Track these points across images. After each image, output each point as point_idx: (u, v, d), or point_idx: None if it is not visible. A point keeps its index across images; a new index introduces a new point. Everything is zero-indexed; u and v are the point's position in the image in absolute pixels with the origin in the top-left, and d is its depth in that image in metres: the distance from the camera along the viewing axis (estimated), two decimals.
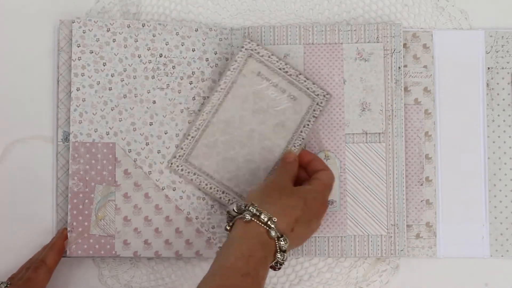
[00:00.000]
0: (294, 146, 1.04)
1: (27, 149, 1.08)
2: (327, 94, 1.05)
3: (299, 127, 1.06)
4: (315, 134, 1.07)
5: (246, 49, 1.05)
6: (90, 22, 1.06)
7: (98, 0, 1.09)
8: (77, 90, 1.05)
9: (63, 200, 1.06)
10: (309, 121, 1.05)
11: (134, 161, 1.05)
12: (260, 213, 0.92)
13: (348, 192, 1.07)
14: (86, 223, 1.04)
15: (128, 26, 1.07)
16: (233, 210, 0.94)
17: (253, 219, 0.92)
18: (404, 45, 1.08)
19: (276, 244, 0.92)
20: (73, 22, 1.06)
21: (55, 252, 1.03)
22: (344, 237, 1.06)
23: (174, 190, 1.06)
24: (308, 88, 1.05)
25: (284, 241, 0.92)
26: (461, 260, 1.08)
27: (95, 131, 1.05)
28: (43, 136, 1.08)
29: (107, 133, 1.05)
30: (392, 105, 1.07)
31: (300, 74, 1.05)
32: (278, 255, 0.92)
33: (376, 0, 1.10)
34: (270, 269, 0.94)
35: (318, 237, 1.06)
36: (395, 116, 1.07)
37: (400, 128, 1.07)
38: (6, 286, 0.99)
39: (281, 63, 1.05)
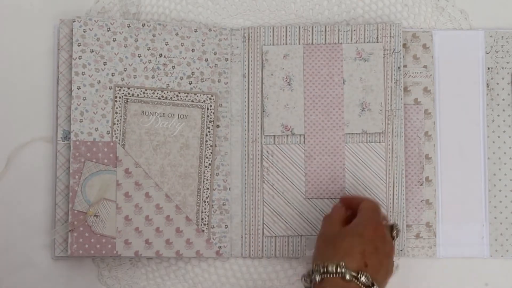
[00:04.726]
0: (207, 158, 1.05)
1: (26, 147, 1.08)
2: (212, 96, 1.05)
3: (202, 139, 1.06)
4: (315, 134, 1.07)
5: (119, 97, 1.05)
6: (91, 22, 1.06)
7: (98, 0, 1.09)
8: (78, 89, 1.05)
9: (62, 199, 1.06)
10: (208, 128, 1.06)
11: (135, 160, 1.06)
12: (326, 267, 0.90)
13: (348, 192, 1.07)
14: (87, 222, 1.04)
15: (128, 26, 1.07)
16: (305, 280, 0.93)
17: (323, 276, 0.91)
18: (404, 45, 1.08)
19: (358, 284, 0.90)
20: (73, 21, 1.06)
21: None
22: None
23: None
24: (193, 101, 1.06)
25: (364, 276, 0.90)
26: (461, 260, 1.08)
27: (96, 130, 1.05)
28: (42, 134, 1.08)
29: (108, 132, 1.05)
30: (392, 105, 1.07)
31: (179, 92, 1.05)
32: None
33: (376, 0, 1.10)
34: None
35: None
36: (395, 116, 1.07)
37: (400, 128, 1.07)
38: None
39: (157, 93, 1.05)
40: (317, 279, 0.91)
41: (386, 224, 0.98)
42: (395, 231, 0.98)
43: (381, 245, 0.94)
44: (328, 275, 0.90)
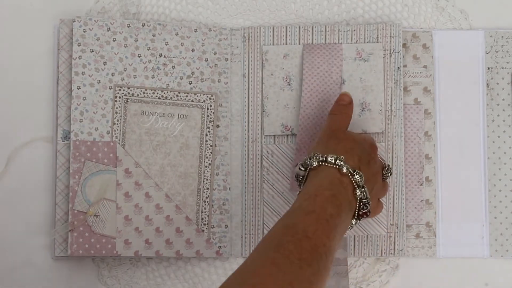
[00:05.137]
0: (207, 158, 1.05)
1: (26, 147, 1.08)
2: (212, 96, 1.05)
3: (202, 139, 1.06)
4: (315, 134, 1.07)
5: (119, 97, 1.05)
6: (91, 21, 1.06)
7: (98, 0, 1.09)
8: (78, 89, 1.06)
9: (62, 199, 1.06)
10: (208, 128, 1.06)
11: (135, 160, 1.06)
12: (326, 157, 0.92)
13: None
14: (87, 222, 1.04)
15: (128, 26, 1.07)
16: (300, 168, 0.94)
17: (320, 164, 0.92)
18: (404, 45, 1.08)
19: (352, 181, 0.92)
20: (73, 21, 1.06)
21: None
22: (344, 237, 1.06)
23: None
24: (193, 101, 1.06)
25: (358, 175, 0.92)
26: (461, 260, 1.08)
27: (96, 130, 1.05)
28: (42, 134, 1.08)
29: (108, 132, 1.05)
30: (392, 105, 1.07)
31: (179, 92, 1.05)
32: (358, 191, 0.92)
33: (376, 0, 1.10)
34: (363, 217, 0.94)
35: None
36: (395, 116, 1.07)
37: (400, 128, 1.07)
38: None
39: (157, 93, 1.05)
40: (313, 164, 0.92)
41: (382, 160, 1.02)
42: (386, 169, 1.00)
43: (372, 163, 0.97)
44: (326, 164, 0.92)
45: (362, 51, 1.08)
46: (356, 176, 0.91)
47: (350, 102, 1.03)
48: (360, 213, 0.93)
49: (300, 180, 0.95)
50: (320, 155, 0.93)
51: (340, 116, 1.01)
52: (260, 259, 0.83)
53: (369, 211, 0.93)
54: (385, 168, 1.00)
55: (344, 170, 0.91)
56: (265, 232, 1.07)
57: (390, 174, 1.01)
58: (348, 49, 1.08)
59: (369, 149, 0.97)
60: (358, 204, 0.93)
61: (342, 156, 0.92)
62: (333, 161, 0.92)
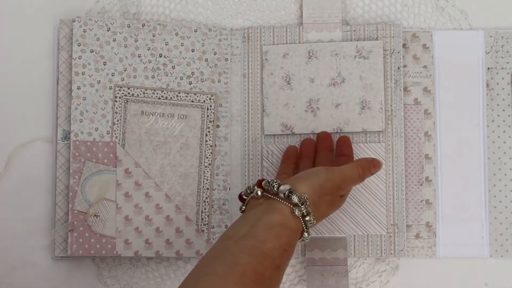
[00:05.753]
0: (207, 158, 1.05)
1: (26, 147, 1.08)
2: (212, 96, 1.06)
3: (202, 139, 1.06)
4: (315, 133, 1.07)
5: (119, 97, 1.05)
6: (91, 22, 1.06)
7: (98, 0, 1.09)
8: (78, 89, 1.06)
9: (62, 199, 1.06)
10: (208, 128, 1.06)
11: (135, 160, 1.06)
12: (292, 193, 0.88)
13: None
14: (87, 222, 1.04)
15: (128, 26, 1.07)
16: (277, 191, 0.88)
17: (285, 202, 0.87)
18: (404, 45, 1.08)
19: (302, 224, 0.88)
20: (73, 21, 1.06)
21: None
22: (344, 237, 1.06)
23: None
24: (193, 101, 1.06)
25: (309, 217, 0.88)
26: (460, 260, 1.08)
27: (96, 130, 1.05)
28: (42, 134, 1.08)
29: (108, 132, 1.05)
30: (392, 105, 1.07)
31: (179, 92, 1.05)
32: (305, 234, 0.89)
33: (376, 0, 1.10)
34: None
35: (318, 237, 1.06)
36: (395, 116, 1.07)
37: (400, 128, 1.07)
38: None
39: (157, 93, 1.05)
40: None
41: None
42: None
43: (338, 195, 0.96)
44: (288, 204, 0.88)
45: (362, 48, 1.07)
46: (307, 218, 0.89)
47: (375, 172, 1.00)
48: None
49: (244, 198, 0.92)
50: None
51: (359, 181, 0.97)
52: None
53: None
54: None
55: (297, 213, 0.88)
56: None
57: None
58: (347, 47, 1.08)
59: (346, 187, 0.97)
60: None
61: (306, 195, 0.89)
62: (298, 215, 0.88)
